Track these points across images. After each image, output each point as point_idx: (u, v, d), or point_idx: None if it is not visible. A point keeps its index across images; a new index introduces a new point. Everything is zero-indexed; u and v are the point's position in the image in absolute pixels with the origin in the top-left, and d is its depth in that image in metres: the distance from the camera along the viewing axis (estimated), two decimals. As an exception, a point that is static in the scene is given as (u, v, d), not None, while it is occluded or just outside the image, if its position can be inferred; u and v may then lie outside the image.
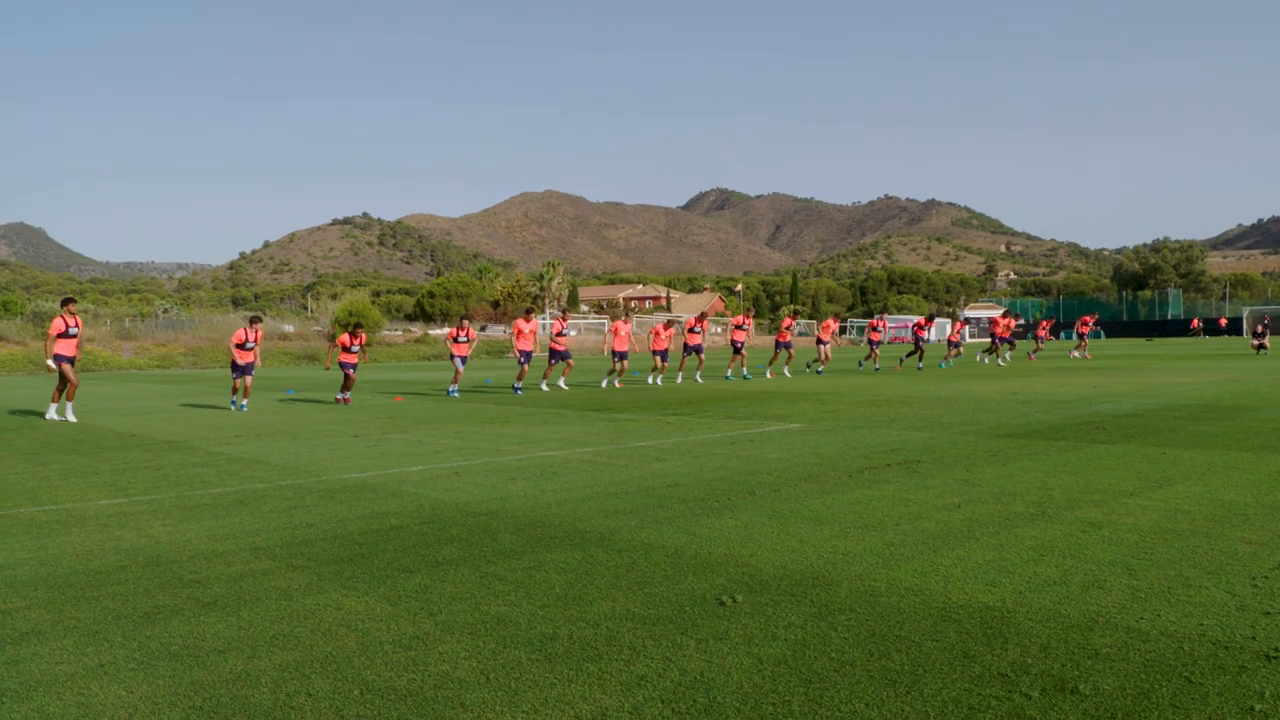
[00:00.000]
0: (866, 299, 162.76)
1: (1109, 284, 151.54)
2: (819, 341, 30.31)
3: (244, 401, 18.98)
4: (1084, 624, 4.22)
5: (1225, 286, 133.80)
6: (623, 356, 25.22)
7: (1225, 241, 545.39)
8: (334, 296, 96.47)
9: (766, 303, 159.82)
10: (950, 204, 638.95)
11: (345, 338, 20.43)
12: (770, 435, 12.07)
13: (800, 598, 4.74)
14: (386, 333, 66.79)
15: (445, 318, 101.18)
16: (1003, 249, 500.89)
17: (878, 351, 31.96)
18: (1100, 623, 4.23)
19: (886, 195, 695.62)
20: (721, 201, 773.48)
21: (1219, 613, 4.34)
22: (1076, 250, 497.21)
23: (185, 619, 4.65)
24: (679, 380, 26.54)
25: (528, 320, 22.90)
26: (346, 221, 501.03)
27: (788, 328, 29.40)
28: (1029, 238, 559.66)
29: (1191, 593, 4.65)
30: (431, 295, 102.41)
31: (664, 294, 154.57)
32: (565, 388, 24.14)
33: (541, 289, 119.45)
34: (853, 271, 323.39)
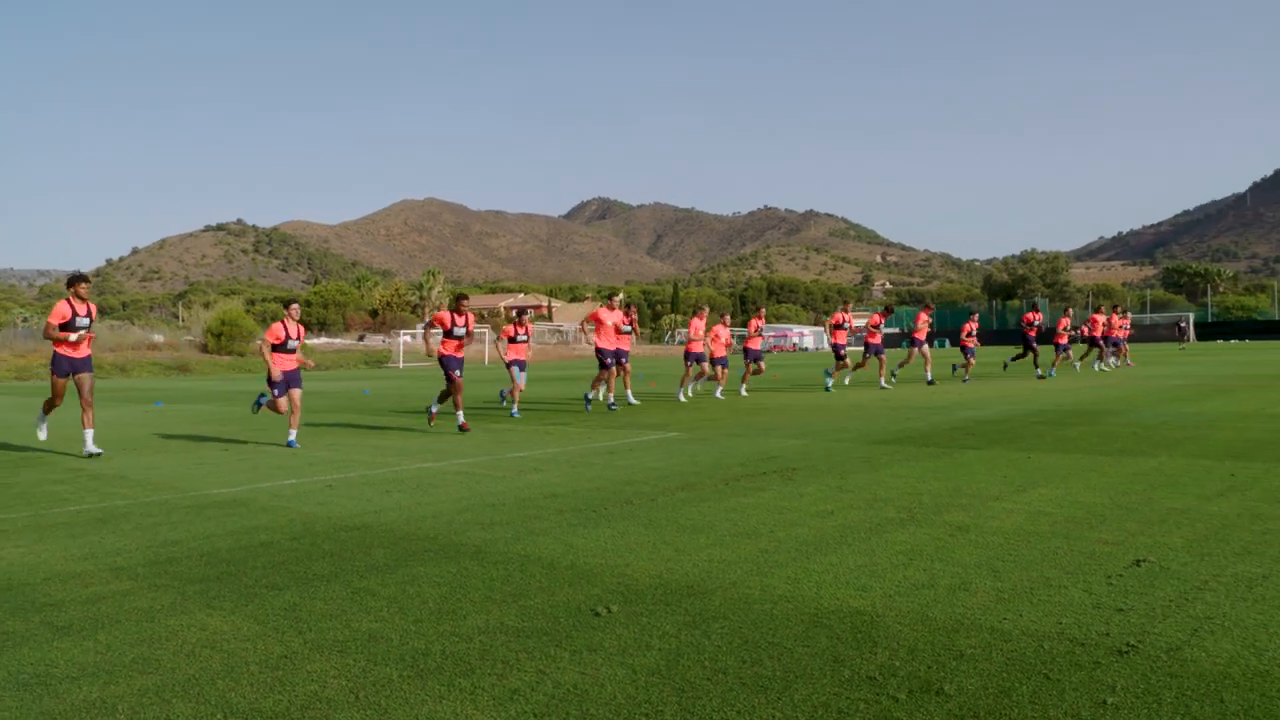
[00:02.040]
0: (746, 308, 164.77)
1: (980, 293, 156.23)
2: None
3: (293, 434, 13.08)
4: (950, 625, 4.32)
5: (1088, 296, 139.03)
6: (722, 363, 21.13)
7: (1089, 253, 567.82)
8: (206, 305, 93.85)
9: (648, 312, 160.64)
10: (828, 215, 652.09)
11: (446, 317, 14.81)
12: (648, 444, 12.11)
13: (675, 607, 4.75)
14: (260, 342, 65.19)
15: (323, 327, 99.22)
16: (879, 259, 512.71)
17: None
18: (966, 624, 4.34)
19: (766, 206, 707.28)
20: (603, 211, 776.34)
21: (1076, 611, 4.49)
22: (949, 261, 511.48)
23: (37, 645, 4.44)
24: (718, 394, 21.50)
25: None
26: (220, 228, 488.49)
27: (876, 326, 24.00)
28: (904, 248, 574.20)
29: (1051, 592, 4.80)
30: (309, 304, 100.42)
31: (545, 303, 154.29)
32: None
33: (421, 298, 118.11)
34: (733, 281, 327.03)
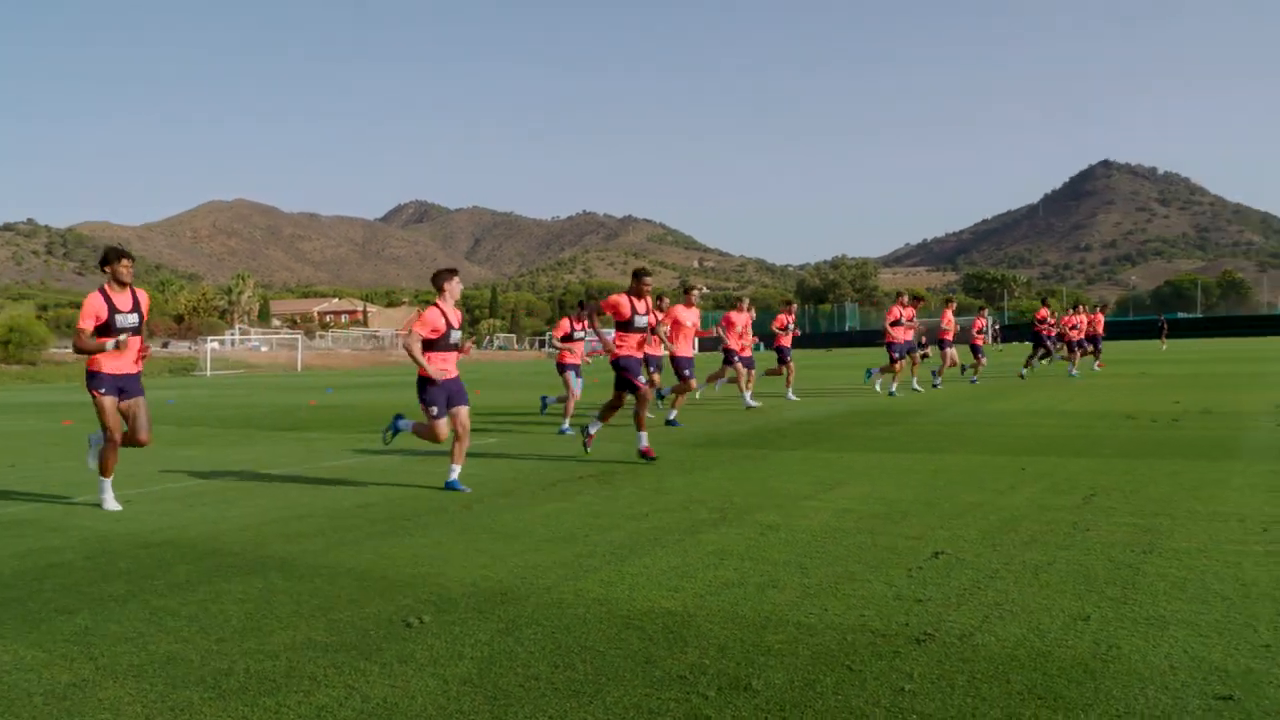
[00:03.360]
0: (565, 313, 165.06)
1: (793, 298, 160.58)
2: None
3: (456, 471, 9.02)
4: (759, 623, 4.42)
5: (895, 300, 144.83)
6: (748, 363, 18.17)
7: (896, 259, 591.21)
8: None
9: (466, 317, 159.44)
10: (646, 220, 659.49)
11: (623, 302, 11.04)
12: (468, 451, 11.97)
13: (488, 614, 4.71)
14: (56, 350, 61.62)
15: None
16: (695, 264, 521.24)
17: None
18: (774, 620, 4.44)
19: (585, 211, 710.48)
20: (420, 214, 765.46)
21: (878, 604, 4.66)
22: (764, 266, 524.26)
23: None
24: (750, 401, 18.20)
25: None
26: (8, 228, 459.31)
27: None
28: (720, 254, 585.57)
29: (856, 586, 4.97)
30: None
31: (361, 308, 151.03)
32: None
33: (230, 303, 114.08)
34: (551, 285, 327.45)
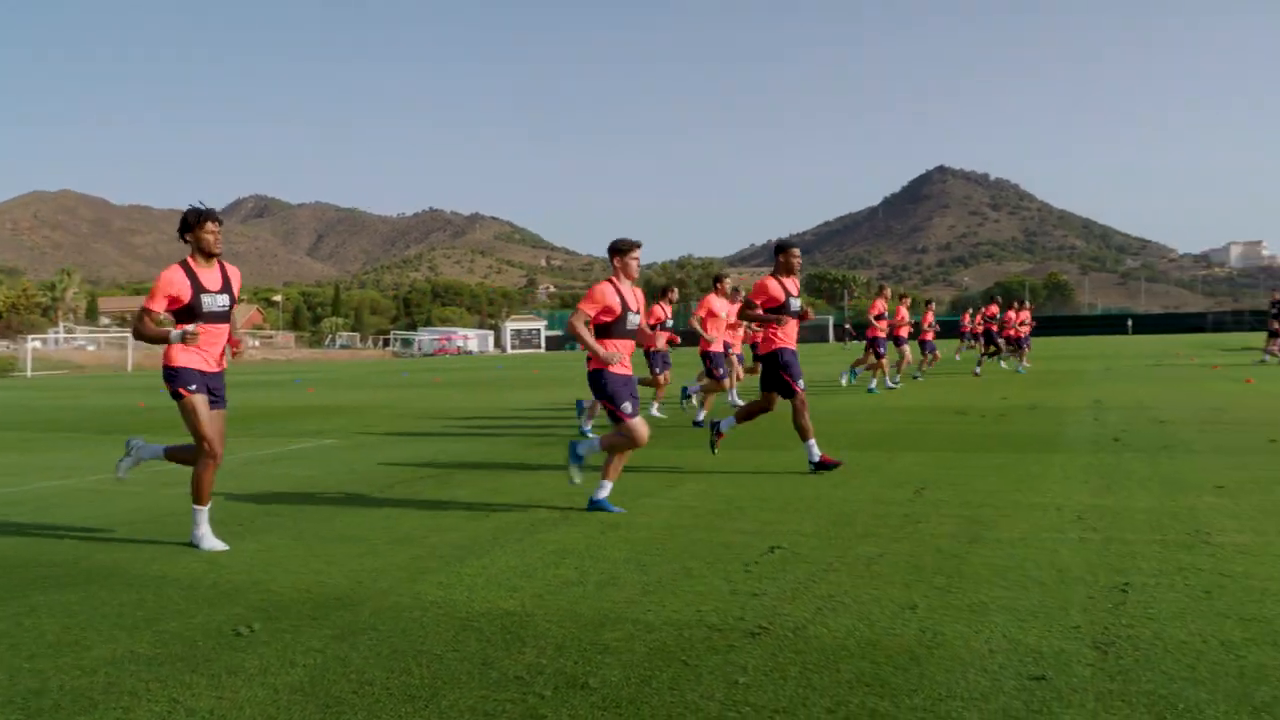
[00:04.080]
0: (410, 311, 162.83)
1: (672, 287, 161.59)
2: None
3: (609, 484, 7.43)
4: (597, 621, 4.43)
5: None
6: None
7: (741, 259, 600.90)
8: None
9: (307, 314, 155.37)
10: (494, 218, 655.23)
11: (776, 286, 9.19)
12: (304, 452, 11.70)
13: (322, 621, 4.59)
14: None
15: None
16: (543, 263, 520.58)
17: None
18: (612, 618, 4.46)
19: (431, 208, 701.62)
20: (261, 209, 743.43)
21: (715, 599, 4.72)
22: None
23: None
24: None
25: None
26: None
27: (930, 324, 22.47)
28: (568, 252, 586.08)
29: (693, 583, 5.03)
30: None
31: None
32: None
33: (54, 299, 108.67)
34: (396, 283, 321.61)
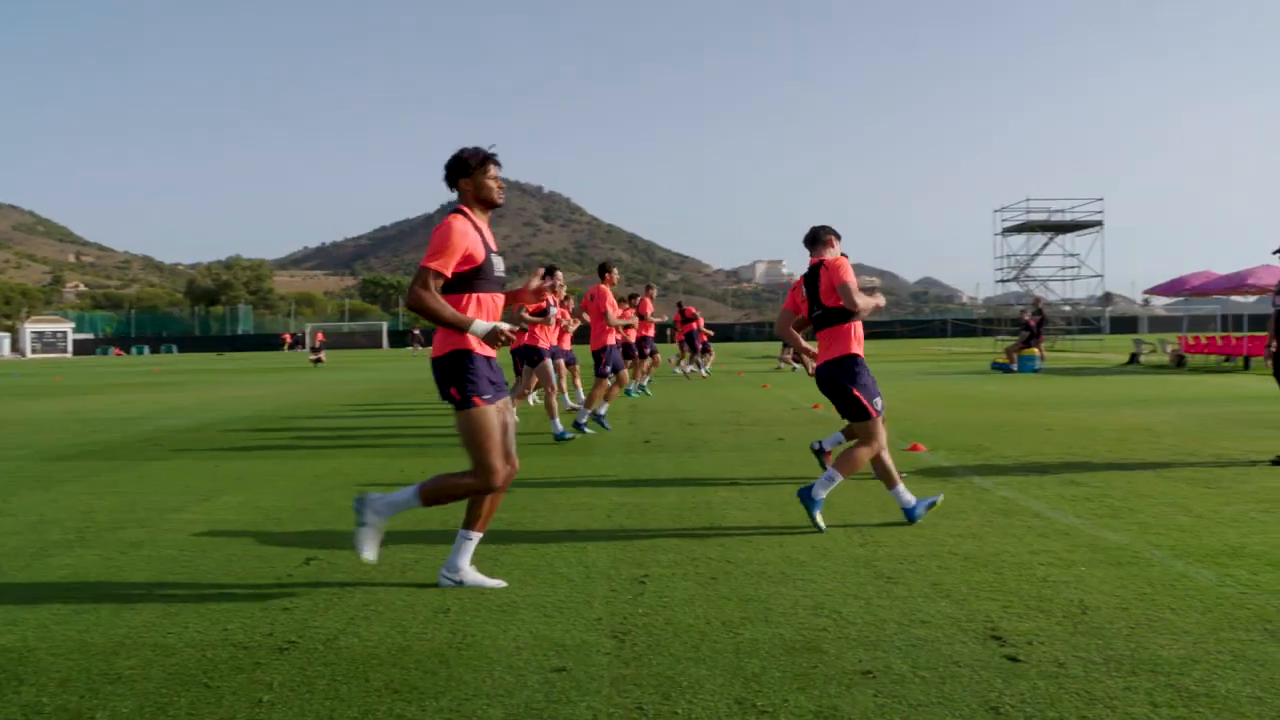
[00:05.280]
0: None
1: (182, 299, 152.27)
2: None
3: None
4: (110, 649, 4.11)
5: (292, 304, 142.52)
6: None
7: (293, 261, 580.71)
8: None
9: None
10: (12, 207, 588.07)
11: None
12: None
13: None
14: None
15: None
16: (72, 259, 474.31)
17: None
18: (127, 645, 4.16)
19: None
20: None
21: (244, 615, 4.54)
22: (151, 264, 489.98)
23: None
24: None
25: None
26: None
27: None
28: (101, 248, 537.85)
29: (221, 600, 4.80)
30: None
31: None
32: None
33: None
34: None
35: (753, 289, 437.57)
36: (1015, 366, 24.96)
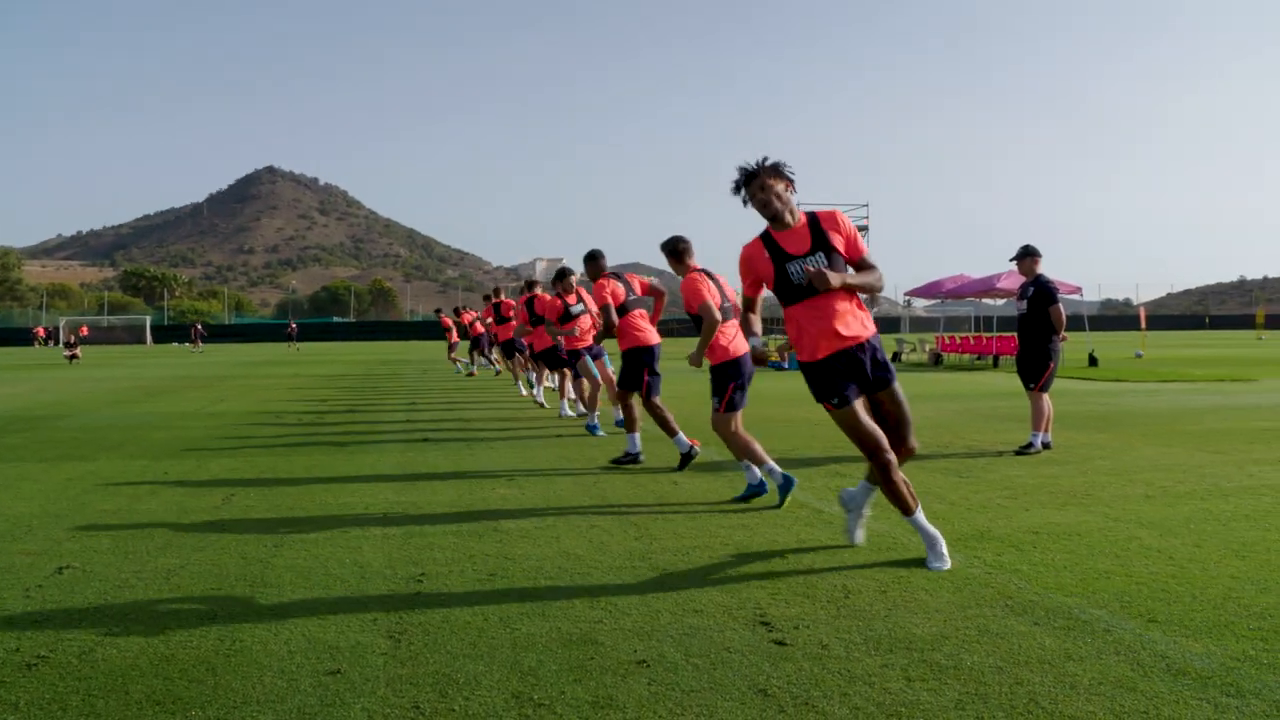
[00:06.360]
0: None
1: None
2: None
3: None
4: None
5: (44, 296, 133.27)
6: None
7: (45, 251, 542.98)
8: None
9: None
10: None
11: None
12: None
13: None
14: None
15: None
16: None
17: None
18: None
19: None
20: None
21: (-14, 631, 4.25)
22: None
23: None
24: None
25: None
26: None
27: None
28: None
29: (-39, 615, 4.48)
30: None
31: None
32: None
33: None
34: None
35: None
36: (787, 364, 25.93)
